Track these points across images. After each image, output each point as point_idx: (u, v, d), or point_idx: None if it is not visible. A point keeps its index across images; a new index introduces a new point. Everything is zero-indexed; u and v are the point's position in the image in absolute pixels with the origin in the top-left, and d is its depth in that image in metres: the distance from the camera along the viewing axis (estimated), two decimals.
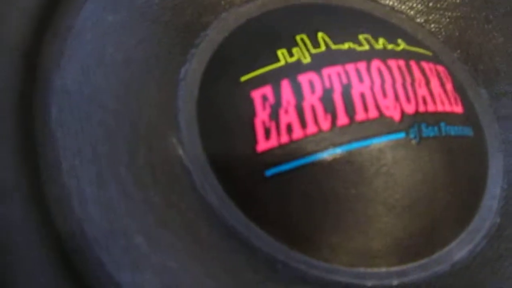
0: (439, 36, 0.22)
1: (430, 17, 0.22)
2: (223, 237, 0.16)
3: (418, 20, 0.22)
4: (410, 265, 0.16)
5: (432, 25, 0.22)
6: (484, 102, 0.21)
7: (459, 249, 0.17)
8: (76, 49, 0.16)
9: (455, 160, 0.18)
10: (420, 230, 0.17)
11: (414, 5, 0.22)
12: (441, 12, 0.22)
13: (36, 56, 0.15)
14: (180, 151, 0.17)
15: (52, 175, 0.13)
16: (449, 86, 0.19)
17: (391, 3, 0.22)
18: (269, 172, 0.16)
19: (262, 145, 0.16)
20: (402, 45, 0.19)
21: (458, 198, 0.18)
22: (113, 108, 0.16)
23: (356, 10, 0.22)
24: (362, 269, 0.16)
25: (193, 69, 0.19)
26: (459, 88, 0.20)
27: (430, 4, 0.22)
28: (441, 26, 0.22)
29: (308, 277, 0.15)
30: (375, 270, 0.16)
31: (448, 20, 0.22)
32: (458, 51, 0.22)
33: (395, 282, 0.16)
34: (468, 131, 0.18)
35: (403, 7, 0.22)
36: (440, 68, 0.19)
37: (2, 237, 0.11)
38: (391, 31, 0.20)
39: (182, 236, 0.15)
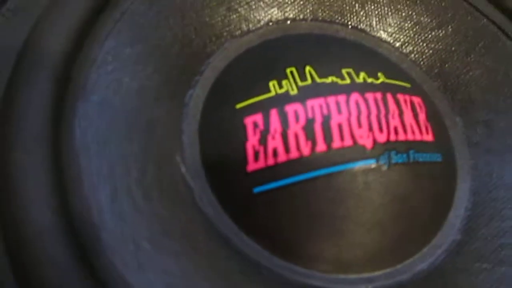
0: (422, 66, 0.24)
1: (415, 48, 0.25)
2: (218, 245, 0.18)
3: (404, 50, 0.25)
4: (377, 273, 0.19)
5: (416, 56, 0.25)
6: (458, 129, 0.23)
7: (421, 261, 0.19)
8: (98, 79, 0.19)
9: (422, 183, 0.20)
10: (387, 244, 0.19)
11: (401, 37, 0.25)
12: (425, 44, 0.25)
13: (66, 83, 0.18)
14: (183, 169, 0.20)
15: (75, 190, 0.16)
16: (422, 117, 0.21)
17: (379, 34, 0.25)
18: (256, 190, 0.19)
19: (252, 166, 0.19)
20: (381, 78, 0.21)
21: (424, 217, 0.20)
22: (127, 132, 0.18)
23: (346, 41, 0.24)
24: (335, 276, 0.19)
25: (197, 94, 0.21)
26: (434, 117, 0.22)
27: (415, 36, 0.25)
28: (424, 57, 0.24)
29: (288, 281, 0.18)
30: (347, 276, 0.19)
31: (431, 51, 0.24)
32: (438, 80, 0.24)
33: (363, 287, 0.18)
34: (436, 157, 0.21)
35: (390, 38, 0.25)
36: (416, 99, 0.21)
37: (34, 238, 0.15)
38: (374, 64, 0.22)
39: (182, 243, 0.18)
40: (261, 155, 0.19)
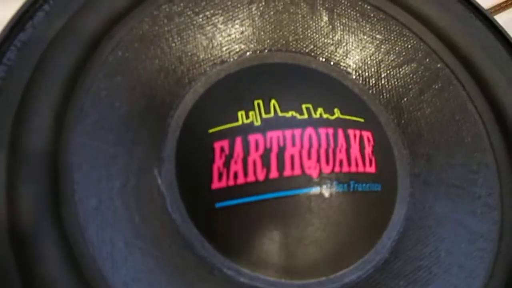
0: (381, 100, 0.27)
1: (377, 82, 0.28)
2: (181, 247, 0.22)
3: (366, 84, 0.28)
4: (311, 281, 0.23)
5: (377, 90, 0.28)
6: (404, 161, 0.26)
7: (351, 274, 0.23)
8: (93, 105, 0.22)
9: (359, 209, 0.24)
10: (323, 257, 0.23)
11: (365, 72, 0.28)
12: (386, 80, 0.28)
13: (63, 113, 0.21)
14: (159, 181, 0.23)
15: (67, 200, 0.20)
16: (368, 150, 0.24)
17: (346, 69, 0.28)
18: (218, 204, 0.22)
19: (216, 184, 0.23)
20: (337, 114, 0.24)
21: (359, 237, 0.24)
22: (113, 152, 0.22)
23: (316, 72, 0.27)
24: (277, 280, 0.22)
25: (178, 115, 0.25)
26: (382, 149, 0.25)
27: (378, 72, 0.28)
28: (384, 91, 0.27)
29: (236, 281, 0.22)
30: (286, 281, 0.23)
31: (390, 87, 0.27)
32: (394, 114, 0.27)
33: None
34: (376, 187, 0.24)
35: (355, 72, 0.28)
36: (366, 134, 0.25)
37: (31, 242, 0.19)
38: (334, 99, 0.25)
39: (151, 245, 0.22)
40: (224, 176, 0.23)
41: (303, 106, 0.24)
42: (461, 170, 0.25)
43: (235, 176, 0.23)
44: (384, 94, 0.27)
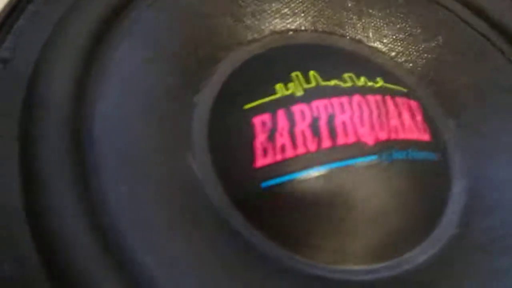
0: (416, 74, 0.26)
1: (408, 58, 0.26)
2: (226, 237, 0.19)
3: (398, 60, 0.26)
4: (381, 265, 0.20)
5: (410, 65, 0.26)
6: (451, 132, 0.24)
7: (423, 253, 0.20)
8: (115, 79, 0.20)
9: (420, 179, 0.21)
10: (389, 237, 0.20)
11: (395, 47, 0.26)
12: (418, 54, 0.26)
13: (85, 81, 0.19)
14: (194, 165, 0.20)
15: (96, 179, 0.17)
16: (419, 118, 0.22)
17: (375, 45, 0.26)
18: (264, 184, 0.20)
19: (260, 161, 0.20)
20: (380, 82, 0.23)
21: (422, 211, 0.21)
22: (141, 133, 0.19)
23: (345, 50, 0.26)
24: (335, 266, 0.19)
25: (206, 97, 0.22)
26: (429, 120, 0.23)
27: (409, 47, 0.26)
28: (417, 66, 0.26)
29: (292, 269, 0.19)
30: (347, 267, 0.19)
31: (424, 61, 0.26)
32: (431, 87, 0.25)
33: (366, 278, 0.19)
34: (432, 156, 0.22)
35: (385, 48, 0.26)
36: (413, 103, 0.23)
37: (61, 226, 0.15)
38: (373, 70, 0.24)
39: (191, 233, 0.18)
40: (269, 151, 0.20)
41: (345, 75, 0.22)
42: None
43: (283, 149, 0.20)
44: (418, 69, 0.26)
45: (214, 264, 0.18)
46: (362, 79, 0.22)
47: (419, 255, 0.20)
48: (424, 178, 0.21)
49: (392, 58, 0.26)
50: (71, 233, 0.16)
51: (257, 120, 0.21)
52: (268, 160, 0.20)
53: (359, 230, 0.20)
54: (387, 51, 0.26)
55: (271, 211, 0.20)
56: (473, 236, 0.21)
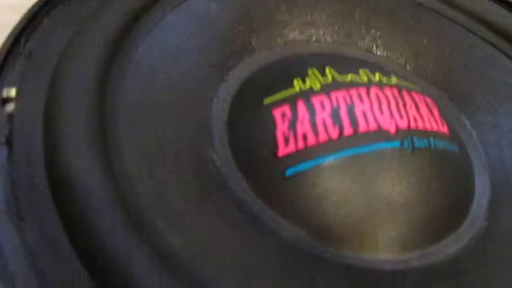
0: (426, 79, 0.26)
1: (418, 65, 0.27)
2: (250, 226, 0.18)
3: (408, 67, 0.27)
4: (408, 255, 0.19)
5: (420, 71, 0.27)
6: (467, 129, 0.24)
7: (451, 244, 0.19)
8: (136, 76, 0.20)
9: (444, 169, 0.21)
10: (416, 226, 0.19)
11: (405, 54, 0.27)
12: (427, 61, 0.27)
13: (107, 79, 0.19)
14: (214, 156, 0.20)
15: (118, 158, 0.16)
16: (435, 112, 0.23)
17: (385, 53, 0.27)
18: (288, 172, 0.19)
19: (282, 150, 0.20)
20: (394, 80, 0.23)
21: (449, 202, 0.20)
22: (161, 120, 0.19)
23: (355, 58, 0.26)
24: (363, 255, 0.18)
25: (224, 97, 0.23)
26: (445, 116, 0.24)
27: (417, 55, 0.27)
28: (427, 71, 0.27)
29: (316, 257, 0.18)
30: (376, 257, 0.18)
31: (433, 67, 0.27)
32: (443, 90, 0.26)
33: (394, 267, 0.18)
34: (454, 148, 0.22)
35: (394, 56, 0.27)
36: (428, 99, 0.23)
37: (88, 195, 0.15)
38: (386, 70, 0.24)
39: (214, 219, 0.18)
40: (291, 140, 0.20)
41: (360, 70, 0.23)
42: None
43: (304, 137, 0.20)
44: (428, 74, 0.27)
45: (240, 250, 0.17)
46: (377, 75, 0.23)
47: (448, 247, 0.19)
48: (448, 168, 0.21)
49: (402, 64, 0.27)
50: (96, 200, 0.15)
51: (277, 112, 0.21)
52: (291, 148, 0.20)
53: (385, 218, 0.19)
54: (397, 58, 0.27)
55: (296, 199, 0.19)
56: (501, 228, 0.20)
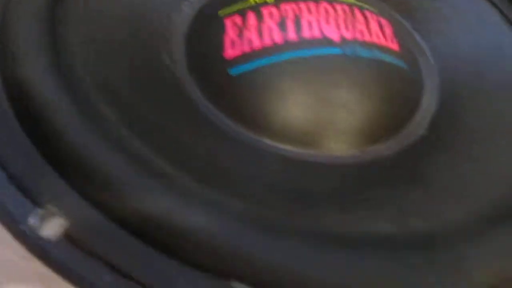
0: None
1: None
2: (199, 124, 0.20)
3: None
4: (343, 154, 0.20)
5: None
6: (426, 56, 0.25)
7: (386, 148, 0.20)
8: None
9: (387, 80, 0.21)
10: (354, 128, 0.20)
11: None
12: None
13: None
14: (168, 61, 0.21)
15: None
16: (388, 31, 0.23)
17: None
18: (233, 71, 0.20)
19: (229, 52, 0.21)
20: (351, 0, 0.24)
21: (391, 111, 0.21)
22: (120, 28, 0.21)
23: None
24: (303, 151, 0.19)
25: (188, 12, 0.24)
26: (399, 37, 0.24)
27: None
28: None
29: (256, 150, 0.19)
30: (316, 152, 0.19)
31: None
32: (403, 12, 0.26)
33: (330, 162, 0.19)
34: (401, 64, 0.22)
35: None
36: (383, 20, 0.24)
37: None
38: None
39: (158, 107, 0.19)
40: (238, 43, 0.21)
41: None
42: None
43: (250, 42, 0.21)
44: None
45: (178, 134, 0.18)
46: None
47: (384, 150, 0.20)
48: (392, 80, 0.22)
49: None
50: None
51: (228, 21, 0.22)
52: (237, 51, 0.21)
53: (325, 118, 0.20)
54: None
55: (241, 97, 0.20)
56: (440, 139, 0.21)
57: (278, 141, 0.19)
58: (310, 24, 0.21)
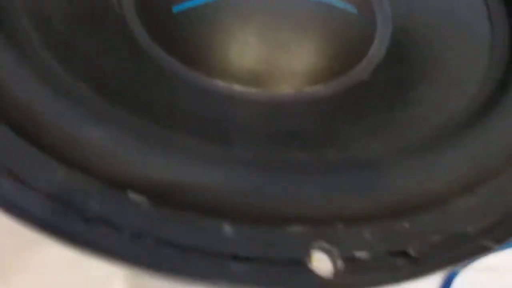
0: None
1: None
2: (138, 55, 0.20)
3: None
4: (281, 92, 0.20)
5: None
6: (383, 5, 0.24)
7: (325, 89, 0.20)
8: None
9: (335, 24, 0.21)
10: (295, 68, 0.20)
11: None
12: None
13: None
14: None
15: None
16: None
17: None
18: (175, 9, 0.20)
19: None
20: None
21: (335, 54, 0.21)
22: None
23: None
24: (243, 89, 0.19)
25: None
26: None
27: None
28: None
29: (201, 90, 0.19)
30: (253, 90, 0.19)
31: None
32: None
33: (268, 99, 0.19)
34: (351, 9, 0.22)
35: None
36: None
37: None
38: None
39: (97, 43, 0.19)
40: None
41: None
42: None
43: None
44: None
45: (115, 68, 0.19)
46: None
47: (322, 90, 0.20)
48: (341, 24, 0.22)
49: None
50: None
51: None
52: None
53: (268, 57, 0.20)
54: None
55: (182, 35, 0.20)
56: (380, 86, 0.21)
57: (215, 77, 0.20)
58: None
